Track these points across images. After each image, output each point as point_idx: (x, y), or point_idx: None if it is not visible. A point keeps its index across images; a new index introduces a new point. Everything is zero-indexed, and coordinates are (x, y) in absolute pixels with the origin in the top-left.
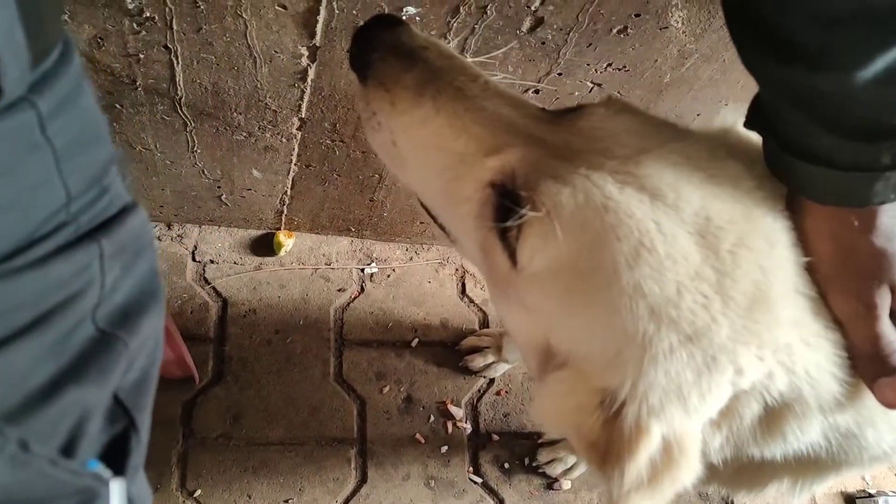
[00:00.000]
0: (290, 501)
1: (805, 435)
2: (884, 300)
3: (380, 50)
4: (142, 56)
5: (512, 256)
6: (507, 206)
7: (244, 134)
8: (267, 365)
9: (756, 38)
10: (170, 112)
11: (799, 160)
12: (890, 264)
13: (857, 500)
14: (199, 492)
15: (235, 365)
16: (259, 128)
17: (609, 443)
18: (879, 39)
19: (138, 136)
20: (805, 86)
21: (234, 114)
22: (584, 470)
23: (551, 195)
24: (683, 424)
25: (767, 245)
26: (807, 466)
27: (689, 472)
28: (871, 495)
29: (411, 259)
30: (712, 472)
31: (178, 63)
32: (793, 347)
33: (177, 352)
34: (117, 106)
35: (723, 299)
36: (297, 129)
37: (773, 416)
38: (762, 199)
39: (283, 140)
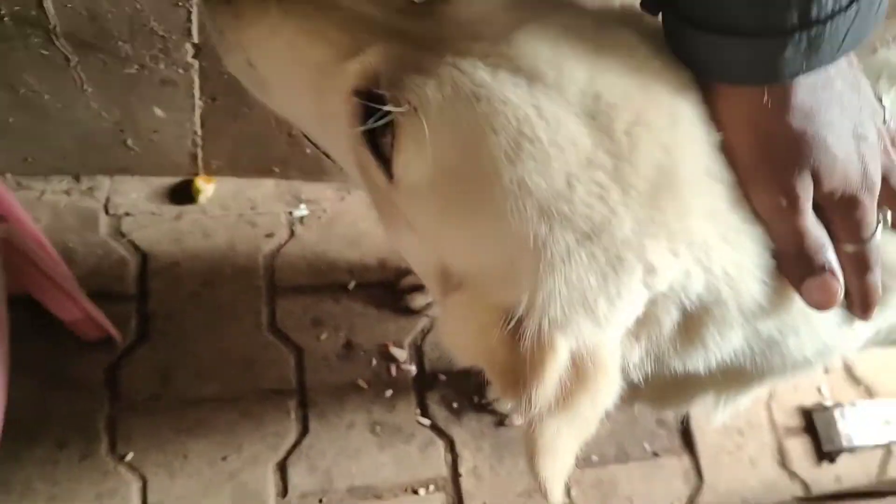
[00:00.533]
0: (228, 458)
1: (726, 343)
2: (806, 190)
3: None
4: None
5: (388, 170)
6: (372, 110)
7: (135, 66)
8: (195, 319)
9: None
10: (46, 45)
11: (702, 31)
12: (809, 147)
13: (813, 413)
14: (130, 455)
15: (161, 322)
16: (150, 58)
17: (515, 367)
18: None
19: (19, 77)
20: None
21: (119, 43)
22: None
23: (415, 90)
24: (595, 336)
25: (670, 121)
26: (731, 378)
27: (608, 389)
28: (827, 408)
29: (343, 198)
30: (634, 389)
31: None
32: (709, 243)
33: (83, 310)
34: None
35: (622, 187)
36: (192, 58)
37: (692, 322)
38: (661, 68)
39: (181, 71)
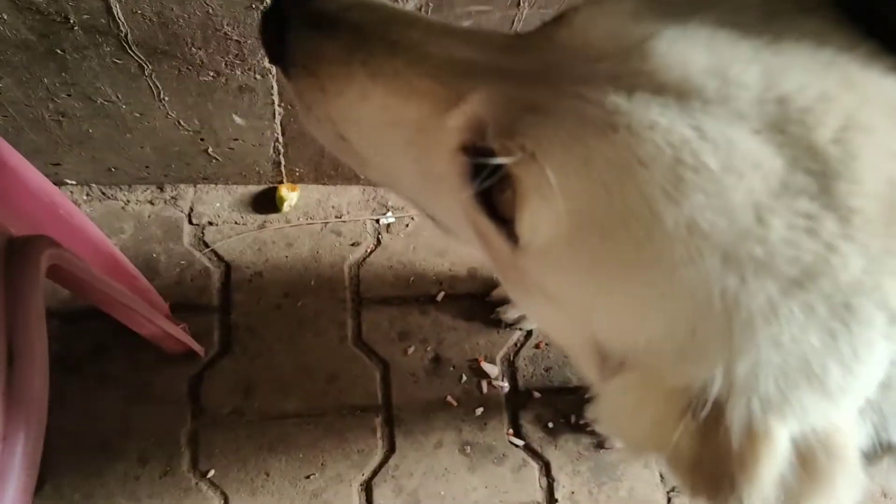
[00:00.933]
0: (311, 477)
1: None
2: None
3: (293, 27)
4: None
5: (512, 234)
6: (484, 167)
7: (211, 73)
8: (278, 332)
9: None
10: (119, 53)
11: None
12: None
13: None
14: (212, 472)
15: (243, 334)
16: (226, 64)
17: (714, 462)
18: None
19: (94, 87)
20: None
21: (193, 49)
22: None
23: (529, 132)
24: (826, 415)
25: (894, 119)
26: None
27: (848, 487)
28: None
29: None
30: None
31: None
32: None
33: (160, 328)
34: (59, 51)
35: (839, 214)
36: (270, 63)
37: None
38: (866, 57)
39: (258, 77)
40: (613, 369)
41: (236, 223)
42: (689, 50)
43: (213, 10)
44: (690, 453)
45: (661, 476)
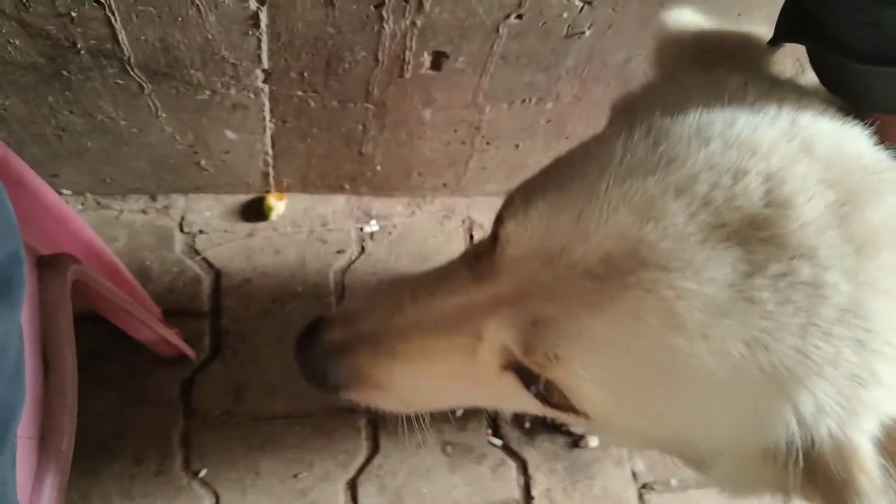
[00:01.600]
0: (299, 476)
1: None
2: None
3: (324, 366)
4: (74, 14)
5: (578, 412)
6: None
7: (207, 92)
8: (266, 336)
9: None
10: (122, 75)
11: (874, 65)
12: None
13: None
14: (204, 472)
15: (233, 338)
16: (222, 84)
17: (828, 489)
18: None
19: (96, 105)
20: None
21: (192, 71)
22: None
23: (542, 343)
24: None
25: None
26: None
27: None
28: None
29: (413, 213)
30: None
31: (115, 19)
32: None
33: (156, 332)
34: (64, 73)
35: (805, 257)
36: (262, 83)
37: None
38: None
39: (251, 95)
40: (712, 456)
41: (226, 231)
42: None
43: (212, 35)
44: (811, 490)
45: (634, 474)
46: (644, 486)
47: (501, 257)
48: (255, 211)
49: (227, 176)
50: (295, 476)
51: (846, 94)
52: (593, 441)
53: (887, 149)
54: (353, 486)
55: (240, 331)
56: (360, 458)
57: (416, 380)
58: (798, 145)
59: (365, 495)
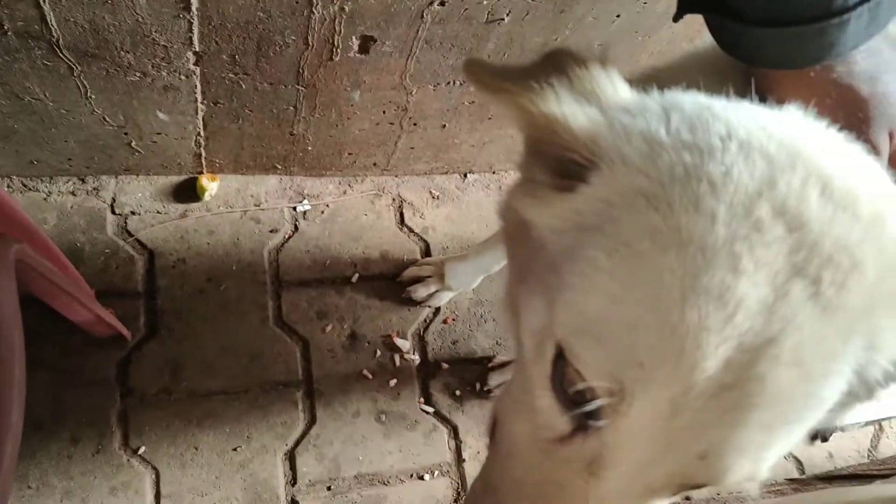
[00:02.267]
0: (238, 449)
1: None
2: (884, 145)
3: None
4: None
5: None
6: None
7: (138, 74)
8: (202, 315)
9: None
10: (50, 56)
11: (768, 28)
12: (881, 107)
13: None
14: (143, 449)
15: (169, 317)
16: (153, 66)
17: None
18: None
19: (23, 86)
20: None
21: (122, 52)
22: None
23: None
24: None
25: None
26: None
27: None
28: None
29: (345, 192)
30: None
31: (44, 1)
32: None
33: (92, 312)
34: None
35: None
36: (194, 65)
37: None
38: None
39: (182, 77)
40: None
41: (158, 212)
42: None
43: (142, 18)
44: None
45: None
46: None
47: (616, 439)
48: (187, 192)
49: (159, 157)
50: (234, 449)
51: (744, 56)
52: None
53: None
54: (291, 457)
55: (175, 310)
56: (298, 430)
57: None
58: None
59: (303, 465)
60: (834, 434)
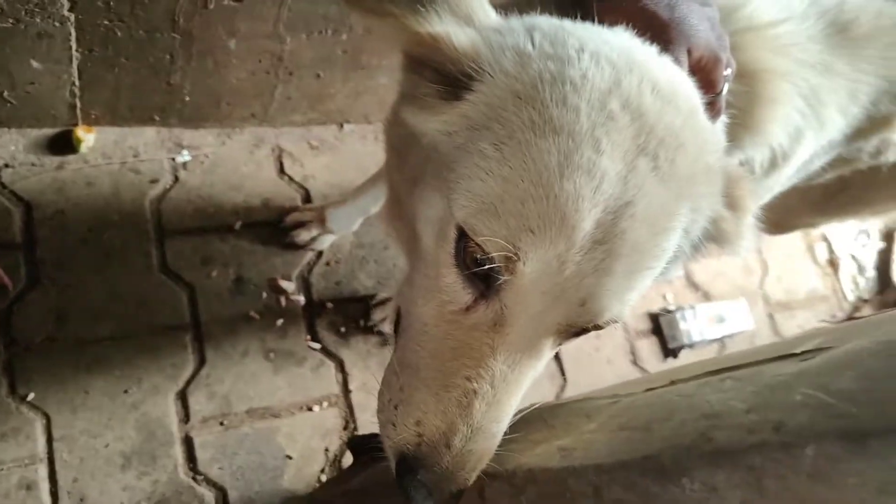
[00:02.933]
0: (129, 391)
1: None
2: (683, 62)
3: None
4: None
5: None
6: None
7: (10, 21)
8: (85, 263)
9: None
10: None
11: None
12: (680, 30)
13: (659, 317)
14: (31, 395)
15: (50, 267)
16: (26, 12)
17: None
18: None
19: None
20: None
21: None
22: None
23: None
24: None
25: None
26: None
27: None
28: (670, 311)
29: (224, 143)
30: None
31: None
32: None
33: None
34: None
35: None
36: (68, 11)
37: None
38: None
39: (57, 24)
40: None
41: (33, 165)
42: None
43: None
44: None
45: None
46: None
47: (516, 297)
48: (63, 144)
49: (33, 108)
50: (125, 392)
51: None
52: None
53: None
54: (183, 397)
55: (57, 259)
56: (188, 371)
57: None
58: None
59: (196, 403)
60: (682, 351)
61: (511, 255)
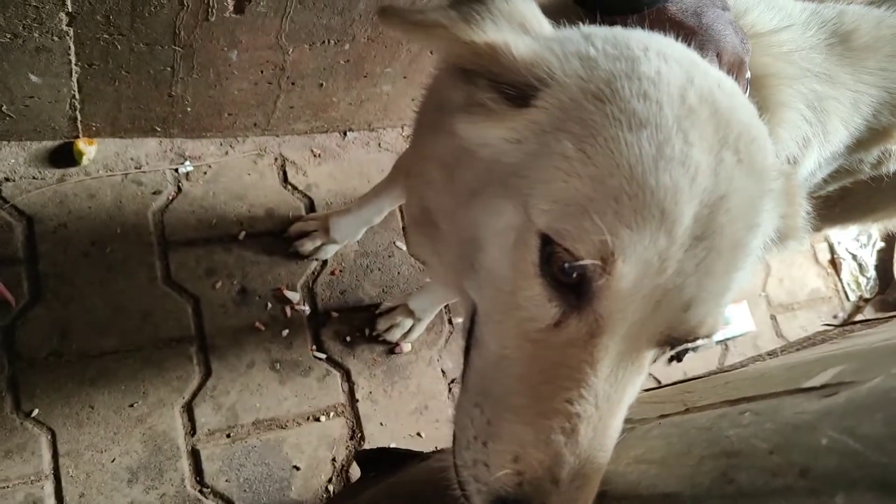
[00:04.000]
0: (135, 405)
1: None
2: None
3: None
4: None
5: None
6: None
7: (8, 36)
8: (88, 277)
9: None
10: None
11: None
12: (709, 36)
13: None
14: (36, 411)
15: (53, 281)
16: (24, 27)
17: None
18: None
19: None
20: None
21: None
22: (422, 332)
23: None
24: None
25: None
26: None
27: None
28: None
29: (227, 153)
30: None
31: None
32: None
33: None
34: None
35: None
36: (67, 26)
37: None
38: None
39: (55, 39)
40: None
41: (35, 178)
42: None
43: None
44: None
45: (443, 371)
46: (453, 381)
47: (614, 302)
48: (64, 157)
49: (32, 122)
50: (131, 405)
51: (601, 7)
52: (406, 346)
53: None
54: (189, 409)
55: (60, 274)
56: (194, 383)
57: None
58: None
59: (202, 415)
60: (687, 355)
61: (608, 255)
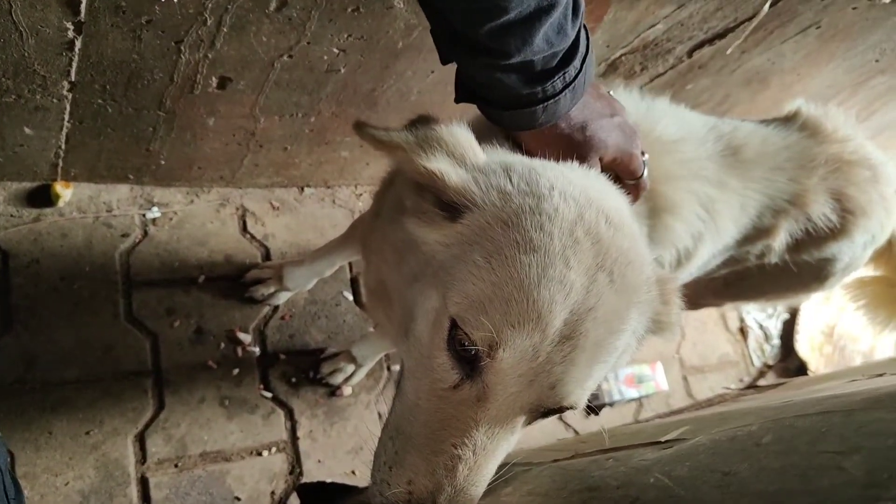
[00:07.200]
0: (91, 433)
1: None
2: (596, 167)
3: None
4: None
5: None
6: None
7: (13, 96)
8: (56, 310)
9: (454, 42)
10: None
11: (504, 111)
12: (594, 144)
13: None
14: None
15: (24, 313)
16: (29, 91)
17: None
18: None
19: None
20: (493, 67)
21: (2, 79)
22: (363, 377)
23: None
24: None
25: None
26: None
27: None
28: None
29: (192, 202)
30: None
31: None
32: None
33: None
34: None
35: None
36: (67, 91)
37: None
38: None
39: (55, 101)
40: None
41: (12, 216)
42: None
43: (28, 54)
44: None
45: (379, 414)
46: None
47: (496, 378)
48: (41, 197)
49: (17, 166)
50: (87, 433)
51: (502, 125)
52: (347, 390)
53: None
54: (141, 439)
55: (30, 306)
56: (148, 414)
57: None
58: None
59: (153, 445)
60: (604, 409)
61: (494, 343)
